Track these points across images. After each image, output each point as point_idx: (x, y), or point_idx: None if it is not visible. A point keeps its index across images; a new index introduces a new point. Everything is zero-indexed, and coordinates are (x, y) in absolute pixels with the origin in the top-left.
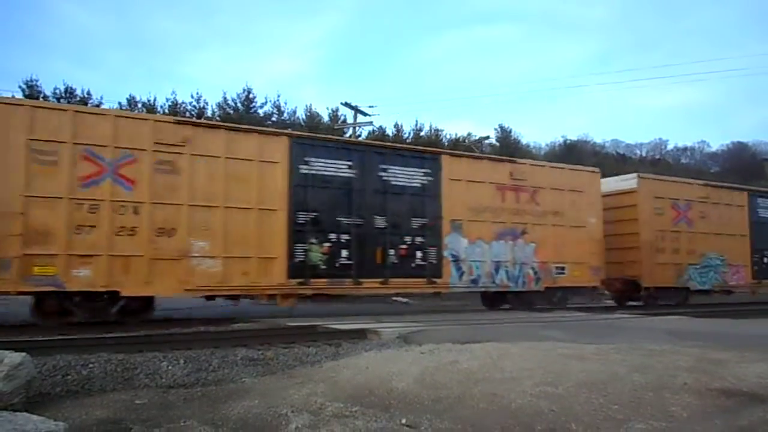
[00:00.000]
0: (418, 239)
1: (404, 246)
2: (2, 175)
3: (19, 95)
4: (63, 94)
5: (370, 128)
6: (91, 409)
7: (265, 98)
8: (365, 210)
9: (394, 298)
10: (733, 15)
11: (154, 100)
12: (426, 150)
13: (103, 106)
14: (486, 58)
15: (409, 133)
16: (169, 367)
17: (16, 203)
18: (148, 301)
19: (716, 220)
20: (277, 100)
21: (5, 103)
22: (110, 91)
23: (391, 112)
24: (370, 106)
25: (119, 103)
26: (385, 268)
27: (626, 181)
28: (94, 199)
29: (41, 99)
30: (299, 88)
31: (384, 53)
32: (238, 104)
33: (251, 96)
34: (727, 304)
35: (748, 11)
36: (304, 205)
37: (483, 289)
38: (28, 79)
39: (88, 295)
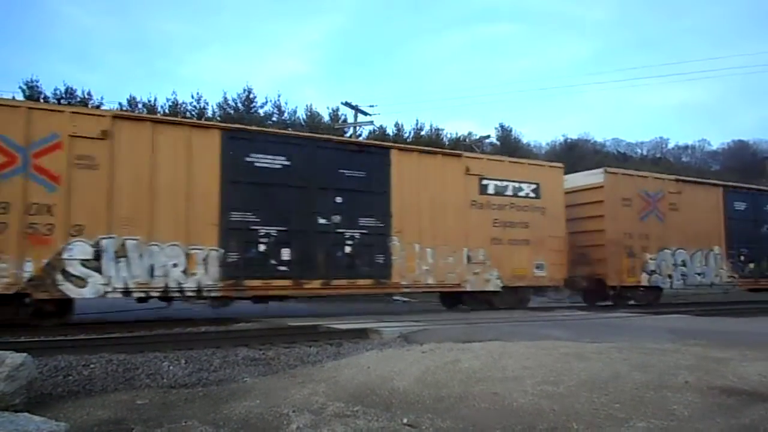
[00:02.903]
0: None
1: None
2: None
3: (19, 96)
4: (63, 95)
5: (371, 128)
6: (92, 409)
7: (266, 98)
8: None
9: (395, 298)
10: (732, 13)
11: (155, 100)
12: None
13: (103, 107)
14: (487, 58)
15: (410, 133)
16: (171, 367)
17: None
18: None
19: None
20: (278, 100)
21: None
22: (111, 92)
23: (392, 111)
24: (370, 106)
25: (119, 104)
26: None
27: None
28: None
29: (42, 100)
30: (300, 88)
31: (384, 53)
32: (239, 104)
33: (251, 96)
34: (727, 303)
35: (747, 10)
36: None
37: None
38: (29, 80)
39: None
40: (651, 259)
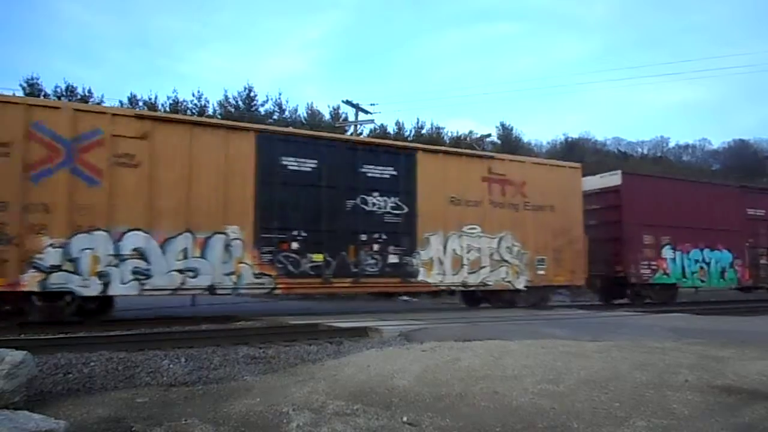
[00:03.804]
0: None
1: None
2: None
3: (20, 93)
4: (64, 92)
5: (372, 126)
6: (92, 407)
7: (267, 96)
8: None
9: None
10: (735, 12)
11: (156, 98)
12: None
13: (104, 104)
14: (487, 56)
15: (411, 131)
16: (171, 366)
17: None
18: None
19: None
20: (279, 98)
21: None
22: (111, 90)
23: (393, 110)
24: (371, 104)
25: (120, 101)
26: None
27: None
28: None
29: (42, 97)
30: (301, 86)
31: (386, 51)
32: (240, 102)
33: (252, 94)
34: (724, 302)
35: (749, 9)
36: None
37: None
38: (29, 77)
39: None
40: (54, 246)
